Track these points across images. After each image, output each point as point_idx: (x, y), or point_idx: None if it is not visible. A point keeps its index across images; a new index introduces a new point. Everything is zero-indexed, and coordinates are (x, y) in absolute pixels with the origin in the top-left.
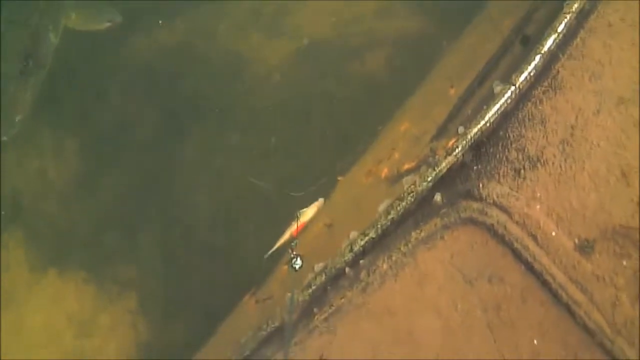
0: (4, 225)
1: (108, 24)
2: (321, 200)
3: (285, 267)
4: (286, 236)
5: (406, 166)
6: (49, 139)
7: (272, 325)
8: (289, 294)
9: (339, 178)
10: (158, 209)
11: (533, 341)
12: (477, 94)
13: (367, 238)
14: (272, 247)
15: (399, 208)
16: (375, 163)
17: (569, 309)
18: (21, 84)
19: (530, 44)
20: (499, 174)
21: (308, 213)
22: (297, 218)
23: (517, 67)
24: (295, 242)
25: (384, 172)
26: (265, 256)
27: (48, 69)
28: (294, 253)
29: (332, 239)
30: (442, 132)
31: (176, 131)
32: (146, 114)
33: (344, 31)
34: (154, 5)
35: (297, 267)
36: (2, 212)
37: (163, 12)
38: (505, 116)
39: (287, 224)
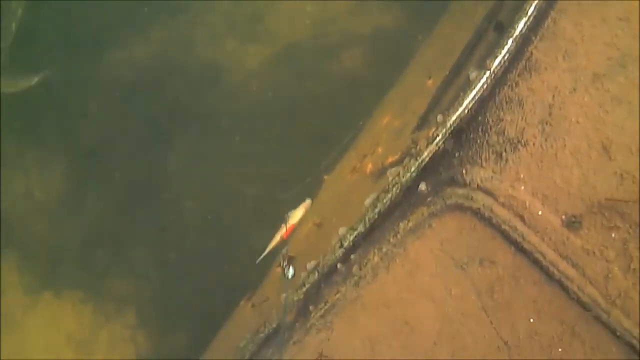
0: None
1: (37, 79)
2: (309, 200)
3: (279, 269)
4: (277, 239)
5: (390, 159)
6: (32, 159)
7: (270, 327)
8: (284, 295)
9: (325, 176)
10: (147, 220)
11: (529, 320)
12: (455, 83)
13: (356, 232)
14: (264, 251)
15: (385, 200)
16: (360, 159)
17: (562, 285)
18: None
19: (504, 30)
20: (481, 158)
21: (297, 214)
22: (286, 220)
23: (492, 53)
24: (285, 249)
25: (369, 167)
26: (257, 261)
27: None
28: (285, 262)
29: (322, 237)
30: (423, 123)
31: (159, 141)
32: (128, 126)
33: (319, 32)
34: (128, 18)
35: (289, 275)
36: None
37: (137, 25)
38: (483, 101)
39: (277, 226)
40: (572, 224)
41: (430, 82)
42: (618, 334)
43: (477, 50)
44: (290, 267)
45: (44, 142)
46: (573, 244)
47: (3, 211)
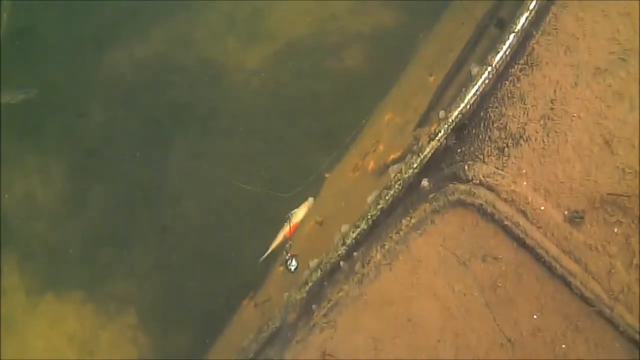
0: None
1: (23, 97)
2: (311, 199)
3: (281, 268)
4: (279, 238)
5: (392, 157)
6: (33, 160)
7: (273, 327)
8: (286, 294)
9: (326, 175)
10: (148, 220)
11: (533, 316)
12: (457, 80)
13: (358, 230)
14: (266, 250)
15: (387, 197)
16: (361, 157)
17: (565, 281)
18: None
19: (505, 25)
20: (483, 154)
21: (299, 213)
22: (289, 219)
23: (493, 49)
24: (289, 244)
25: (371, 165)
26: (260, 260)
27: None
28: (289, 255)
29: (325, 235)
30: (425, 120)
31: (160, 141)
32: (129, 127)
33: (320, 30)
34: (128, 18)
35: (292, 268)
36: None
37: (138, 25)
38: (485, 97)
39: (279, 226)
40: (575, 219)
41: (431, 79)
42: (621, 329)
43: (478, 46)
44: (293, 260)
45: (44, 144)
46: (576, 239)
47: (3, 213)
